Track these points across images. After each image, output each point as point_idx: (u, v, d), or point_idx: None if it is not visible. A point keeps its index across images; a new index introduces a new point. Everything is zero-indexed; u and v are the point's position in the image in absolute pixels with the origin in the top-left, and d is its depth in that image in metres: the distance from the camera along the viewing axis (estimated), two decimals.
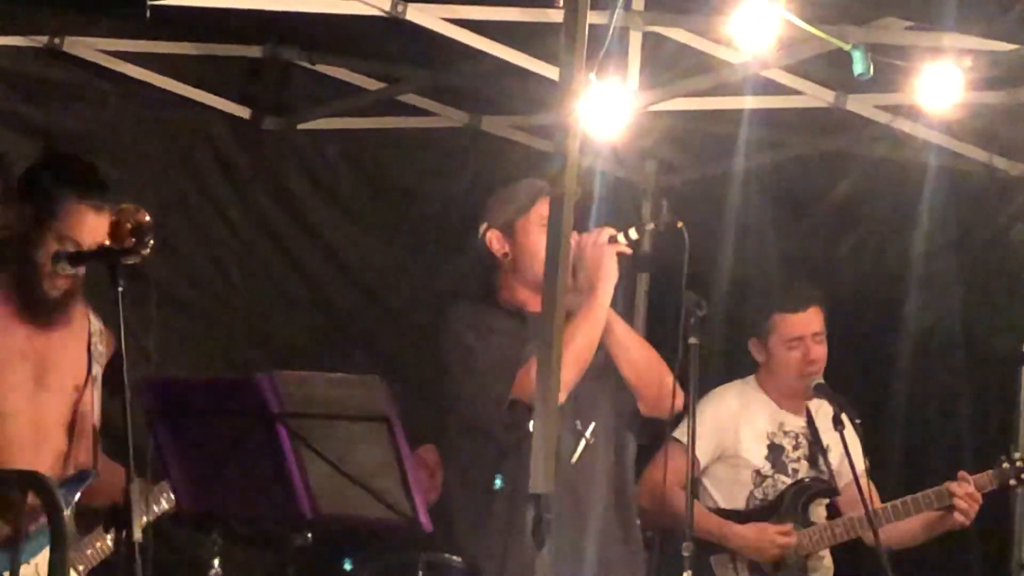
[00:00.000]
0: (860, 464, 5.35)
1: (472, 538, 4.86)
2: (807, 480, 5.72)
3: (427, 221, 6.58)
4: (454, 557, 4.83)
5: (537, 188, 4.92)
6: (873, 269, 6.93)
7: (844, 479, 5.70)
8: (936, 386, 6.85)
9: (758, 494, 5.70)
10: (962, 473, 5.66)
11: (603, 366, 4.93)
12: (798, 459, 5.74)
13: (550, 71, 5.22)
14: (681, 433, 5.20)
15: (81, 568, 4.56)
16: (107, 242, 4.27)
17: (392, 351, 6.41)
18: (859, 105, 5.93)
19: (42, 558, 4.26)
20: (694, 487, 5.10)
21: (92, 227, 4.32)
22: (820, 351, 5.69)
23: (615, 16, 4.72)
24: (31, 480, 4.07)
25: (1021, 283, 6.66)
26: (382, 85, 6.22)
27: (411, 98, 6.31)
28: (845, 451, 5.32)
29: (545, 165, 4.59)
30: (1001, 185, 6.58)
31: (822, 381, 5.55)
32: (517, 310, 4.91)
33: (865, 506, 5.29)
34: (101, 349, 4.53)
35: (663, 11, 5.31)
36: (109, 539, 4.55)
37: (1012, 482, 5.71)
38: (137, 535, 3.86)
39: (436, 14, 5.13)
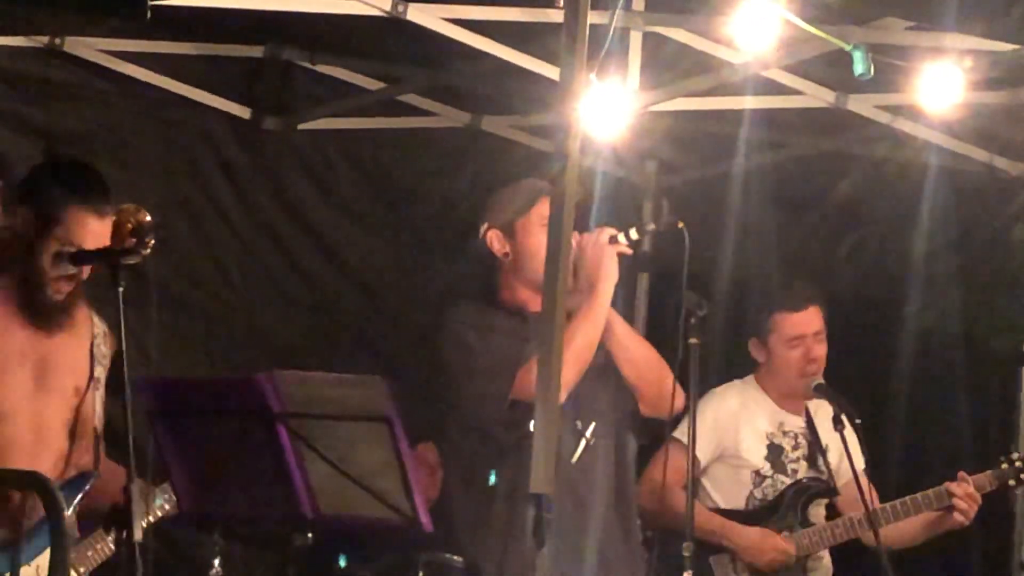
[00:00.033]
0: (860, 464, 5.35)
1: (472, 538, 4.86)
2: (806, 480, 5.72)
3: (427, 221, 6.59)
4: (454, 557, 4.83)
5: (538, 188, 4.92)
6: (873, 269, 6.94)
7: (843, 479, 5.70)
8: (936, 386, 6.85)
9: (757, 494, 5.70)
10: (961, 473, 5.66)
11: (604, 366, 4.93)
12: (797, 459, 5.74)
13: (550, 71, 5.22)
14: (681, 433, 5.20)
15: (82, 570, 4.55)
16: (108, 242, 4.28)
17: (392, 351, 6.41)
18: (859, 105, 5.93)
19: (43, 559, 4.25)
20: (694, 487, 5.10)
21: (95, 232, 4.32)
22: (820, 350, 5.70)
23: (615, 16, 4.72)
24: (32, 481, 4.07)
25: (1021, 283, 6.67)
26: (382, 85, 6.22)
27: (411, 98, 6.32)
28: (845, 451, 5.33)
29: (545, 165, 4.59)
30: (1001, 185, 6.58)
31: (822, 381, 5.55)
32: (518, 310, 4.91)
33: (866, 506, 5.29)
34: (104, 351, 4.53)
35: (664, 11, 5.31)
36: (110, 540, 4.54)
37: (1011, 482, 5.71)
38: (138, 536, 3.86)
39: (436, 14, 5.13)
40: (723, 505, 5.71)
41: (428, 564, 4.80)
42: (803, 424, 5.78)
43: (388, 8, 5.05)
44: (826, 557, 5.80)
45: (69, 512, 4.17)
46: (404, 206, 6.59)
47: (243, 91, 6.22)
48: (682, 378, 4.80)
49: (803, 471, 5.74)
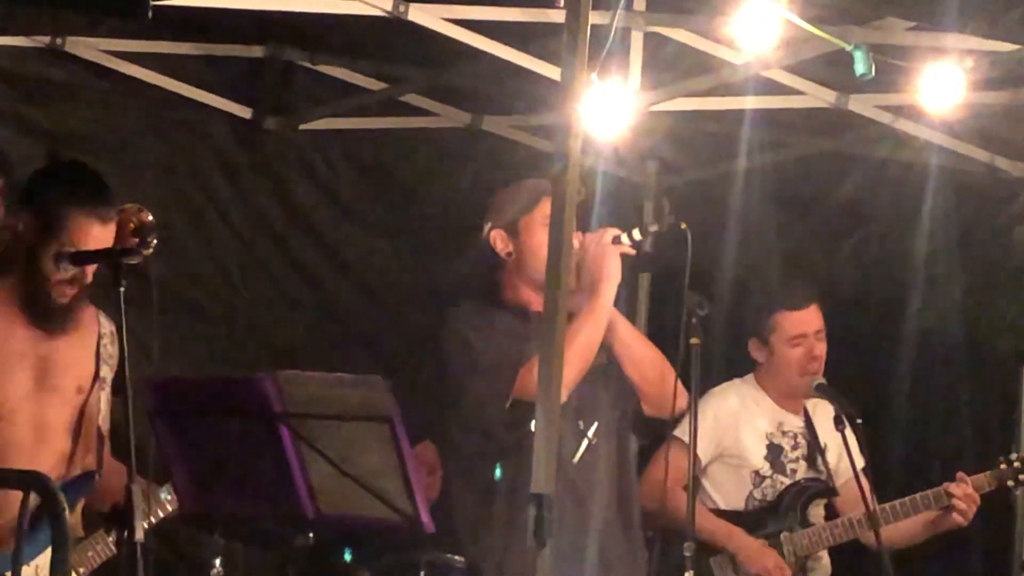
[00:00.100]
0: (860, 464, 5.35)
1: (473, 538, 4.85)
2: (806, 481, 5.72)
3: (428, 221, 6.58)
4: (456, 557, 4.82)
5: (541, 187, 4.91)
6: (874, 269, 6.94)
7: (842, 479, 5.71)
8: (937, 386, 6.85)
9: (757, 495, 5.70)
10: (960, 474, 5.66)
11: (606, 366, 4.93)
12: (797, 459, 5.74)
13: (551, 71, 5.22)
14: (682, 432, 5.20)
15: (81, 570, 4.55)
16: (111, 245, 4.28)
17: (392, 351, 6.41)
18: (860, 105, 5.93)
19: (43, 559, 4.25)
20: (694, 487, 5.10)
21: (98, 238, 4.32)
22: (821, 349, 5.70)
23: (617, 16, 4.72)
24: (33, 480, 4.06)
25: (1022, 283, 6.66)
26: (383, 85, 6.22)
27: (412, 98, 6.32)
28: (846, 451, 5.32)
29: (547, 165, 4.59)
30: (1002, 185, 6.58)
31: (823, 381, 5.55)
32: (520, 309, 4.90)
33: (867, 506, 5.29)
34: (111, 351, 4.52)
35: (665, 11, 5.31)
36: (110, 540, 4.55)
37: (1010, 483, 5.71)
38: (139, 535, 3.86)
39: (437, 14, 5.14)
40: (723, 505, 5.71)
41: (429, 564, 4.80)
42: (802, 424, 5.78)
43: (389, 8, 5.05)
44: (825, 557, 5.80)
45: (70, 512, 4.17)
46: (405, 206, 6.60)
47: (244, 91, 6.22)
48: (683, 378, 4.80)
49: (802, 471, 5.74)
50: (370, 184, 6.59)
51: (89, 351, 4.52)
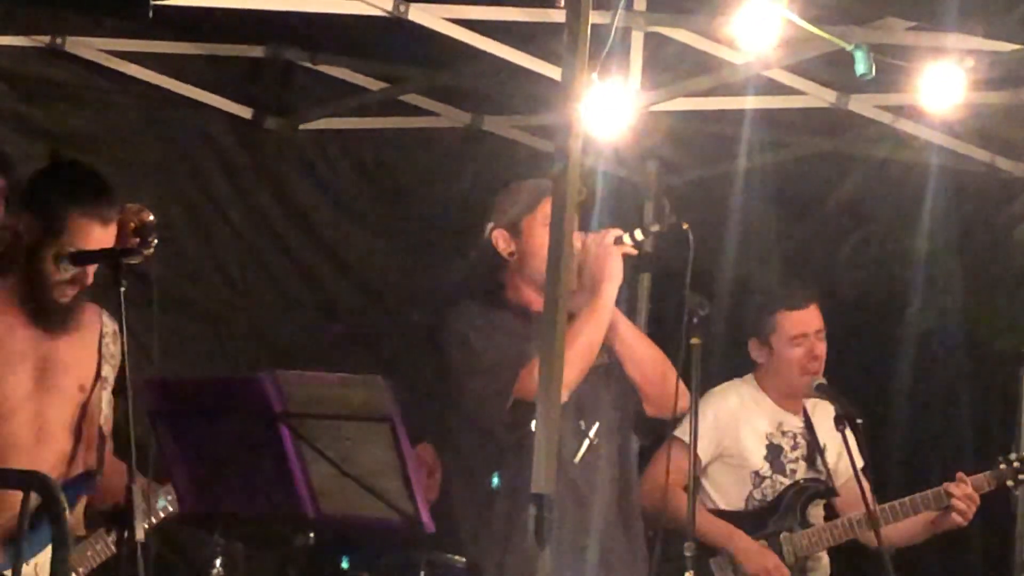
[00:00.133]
0: (860, 464, 5.35)
1: (474, 538, 4.85)
2: (805, 481, 5.72)
3: (428, 221, 6.58)
4: (456, 557, 4.83)
5: (543, 187, 4.91)
6: (875, 269, 6.94)
7: (841, 479, 5.71)
8: (937, 386, 6.85)
9: (757, 495, 5.70)
10: (960, 474, 5.66)
11: (608, 366, 4.92)
12: (796, 459, 5.74)
13: (552, 71, 5.22)
14: (682, 432, 5.20)
15: (80, 570, 4.54)
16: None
17: (392, 351, 6.41)
18: (861, 105, 5.93)
19: (42, 557, 4.25)
20: (694, 487, 5.10)
21: (99, 238, 4.32)
22: (822, 348, 5.70)
23: (617, 16, 4.72)
24: (33, 480, 4.06)
25: (1022, 283, 6.66)
26: (384, 85, 6.22)
27: (413, 98, 6.32)
28: (847, 451, 5.32)
29: (547, 165, 4.59)
30: (1003, 185, 6.58)
31: (823, 381, 5.55)
32: (522, 309, 4.90)
33: (867, 506, 5.29)
34: (113, 350, 4.51)
35: (665, 11, 5.31)
36: (110, 540, 4.54)
37: (1009, 483, 5.71)
38: (139, 535, 3.85)
39: (438, 14, 5.14)
40: (722, 506, 5.71)
41: (430, 564, 4.80)
42: (801, 424, 5.79)
43: (389, 8, 5.05)
44: (824, 558, 5.80)
45: (71, 512, 4.17)
46: (405, 206, 6.60)
47: (244, 91, 6.22)
48: (684, 378, 4.80)
49: (802, 471, 5.74)
50: (370, 184, 6.59)
51: (91, 350, 4.51)
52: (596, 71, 4.59)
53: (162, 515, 4.64)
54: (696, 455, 4.91)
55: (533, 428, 4.13)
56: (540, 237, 4.82)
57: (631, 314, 5.98)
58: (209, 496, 4.15)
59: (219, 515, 4.26)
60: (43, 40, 5.65)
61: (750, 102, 5.82)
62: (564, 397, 4.34)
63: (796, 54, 5.22)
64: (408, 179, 6.63)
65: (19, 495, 3.90)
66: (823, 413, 5.68)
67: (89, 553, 4.57)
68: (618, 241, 4.85)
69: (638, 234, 4.88)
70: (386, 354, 6.39)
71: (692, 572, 4.72)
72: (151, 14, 4.53)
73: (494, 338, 4.81)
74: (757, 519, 5.67)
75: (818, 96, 5.84)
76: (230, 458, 4.09)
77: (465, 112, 6.51)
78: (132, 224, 4.31)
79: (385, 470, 3.98)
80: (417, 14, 5.08)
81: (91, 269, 4.35)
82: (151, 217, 4.35)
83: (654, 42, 5.36)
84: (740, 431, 5.72)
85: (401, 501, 3.98)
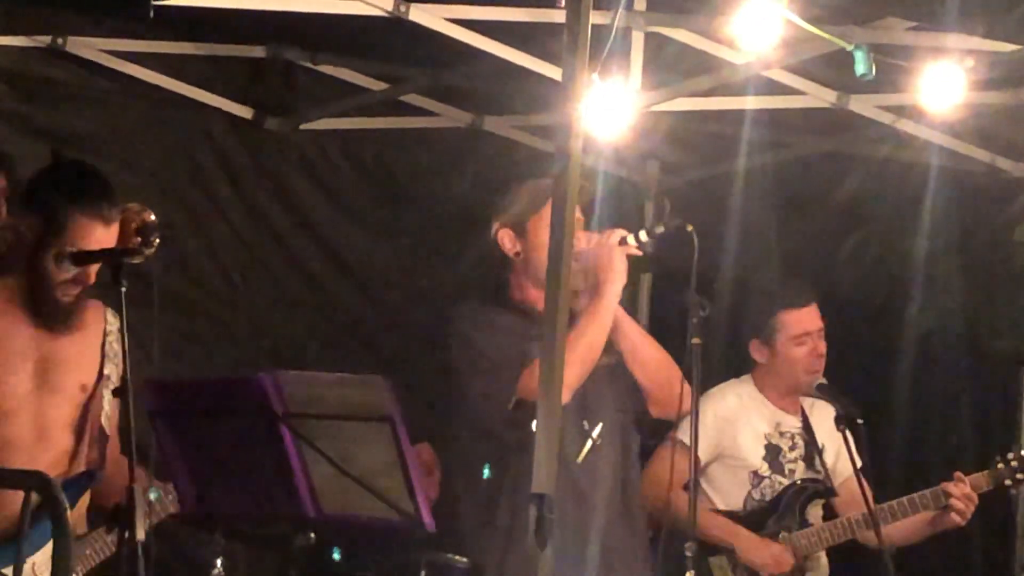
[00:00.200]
0: (859, 464, 5.35)
1: (475, 538, 4.85)
2: (804, 481, 5.72)
3: (429, 221, 6.59)
4: (457, 557, 4.83)
5: (549, 187, 4.91)
6: (875, 269, 6.93)
7: (840, 479, 5.71)
8: (938, 387, 6.84)
9: (756, 495, 5.71)
10: (958, 474, 5.66)
11: (614, 366, 4.92)
12: (795, 460, 5.74)
13: (552, 71, 5.22)
14: (681, 432, 5.19)
15: (79, 569, 4.55)
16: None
17: (393, 351, 6.41)
18: (861, 105, 5.93)
19: (39, 556, 4.26)
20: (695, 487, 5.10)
21: (100, 239, 4.31)
22: (824, 347, 5.70)
23: (618, 16, 4.72)
24: (34, 480, 4.06)
25: (1022, 284, 6.66)
26: (384, 85, 6.22)
27: (413, 98, 6.32)
28: (848, 451, 5.32)
29: (547, 165, 4.59)
30: (1003, 185, 6.58)
31: (824, 381, 5.55)
32: (526, 309, 4.89)
33: (868, 506, 5.29)
34: (116, 348, 4.50)
35: (666, 11, 5.31)
36: (109, 539, 4.55)
37: (1007, 482, 5.70)
38: (140, 535, 3.85)
39: (438, 14, 5.14)
40: (721, 506, 5.71)
41: (430, 564, 4.80)
42: (800, 424, 5.79)
43: (390, 8, 5.05)
44: (823, 557, 5.80)
45: (72, 511, 4.17)
46: (406, 206, 6.60)
47: (245, 91, 6.23)
48: (688, 379, 4.80)
49: (800, 471, 5.74)
50: (370, 184, 6.59)
51: (94, 349, 4.51)
52: (596, 71, 4.59)
53: (162, 515, 4.64)
54: (696, 456, 4.91)
55: (534, 428, 4.13)
56: (546, 237, 4.80)
57: (631, 314, 5.98)
58: (209, 496, 4.16)
59: (219, 515, 4.26)
60: (43, 40, 5.65)
61: (750, 102, 5.82)
62: (566, 398, 4.35)
63: (796, 54, 5.22)
64: (408, 179, 6.63)
65: (19, 495, 3.90)
66: (821, 413, 5.68)
67: (88, 552, 4.57)
68: (622, 242, 4.85)
69: (642, 235, 4.88)
70: (386, 354, 6.39)
71: (692, 572, 4.72)
72: (151, 14, 4.53)
73: (497, 338, 4.81)
74: (756, 519, 5.67)
75: (818, 96, 5.84)
76: (230, 458, 4.10)
77: (465, 112, 6.51)
78: (134, 224, 4.31)
79: (386, 470, 3.98)
80: (417, 14, 5.08)
81: (93, 269, 4.35)
82: (153, 217, 4.34)
83: (654, 42, 5.36)
84: (738, 432, 5.72)
85: (402, 501, 3.98)
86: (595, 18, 4.29)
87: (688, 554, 4.70)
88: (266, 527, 4.51)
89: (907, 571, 5.46)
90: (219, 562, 4.44)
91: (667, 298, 6.22)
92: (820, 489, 5.74)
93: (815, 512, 5.76)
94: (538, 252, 4.86)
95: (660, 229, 4.94)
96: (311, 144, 6.44)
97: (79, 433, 4.48)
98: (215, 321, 6.23)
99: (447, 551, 4.83)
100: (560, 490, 4.06)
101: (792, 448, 5.75)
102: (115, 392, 4.06)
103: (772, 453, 5.73)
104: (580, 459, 4.84)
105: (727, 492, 5.72)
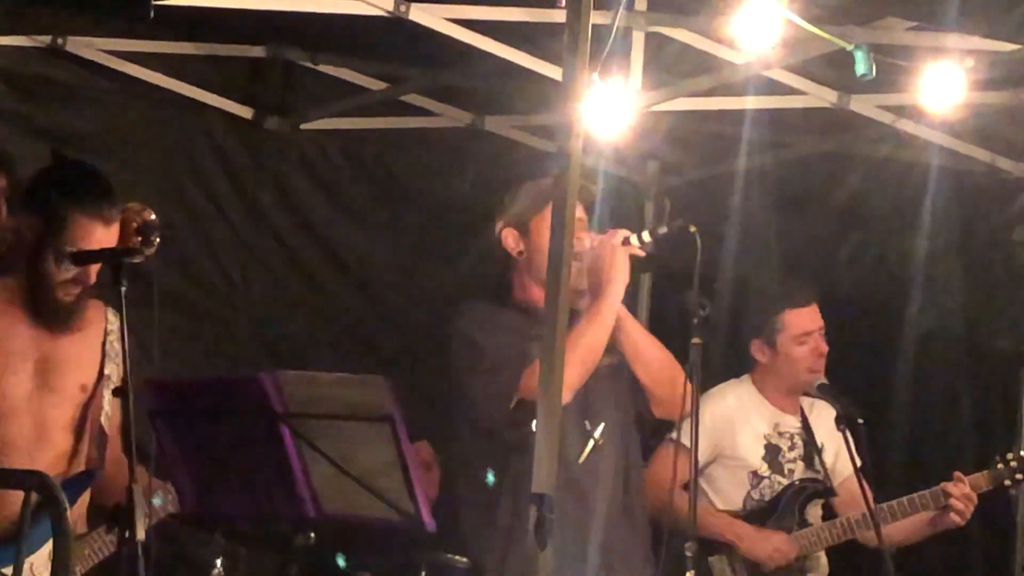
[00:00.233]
0: (859, 464, 5.35)
1: (476, 538, 4.85)
2: (803, 481, 5.72)
3: (429, 221, 6.59)
4: (457, 557, 4.82)
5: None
6: (875, 269, 6.93)
7: (839, 478, 5.71)
8: (938, 387, 6.85)
9: (755, 495, 5.70)
10: (957, 474, 5.66)
11: (617, 367, 4.92)
12: (794, 459, 5.74)
13: (553, 71, 5.22)
14: (681, 432, 5.19)
15: (79, 568, 4.55)
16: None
17: (392, 351, 6.41)
18: (862, 105, 5.93)
19: (37, 557, 4.26)
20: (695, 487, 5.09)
21: (100, 238, 4.31)
22: (825, 346, 5.70)
23: (618, 16, 4.72)
24: (33, 480, 4.06)
25: (1022, 284, 6.66)
26: (385, 85, 6.22)
27: (414, 98, 6.32)
28: (848, 452, 5.32)
29: (548, 165, 4.59)
30: (1003, 185, 6.58)
31: (824, 381, 5.55)
32: (529, 309, 4.88)
33: (868, 506, 5.29)
34: (117, 348, 4.50)
35: (666, 11, 5.31)
36: (109, 539, 4.54)
37: (1007, 482, 5.71)
38: (140, 535, 3.85)
39: (439, 14, 5.14)
40: (720, 506, 5.71)
41: (430, 564, 4.80)
42: (799, 424, 5.78)
43: (390, 8, 5.05)
44: (823, 557, 5.80)
45: (72, 510, 4.17)
46: (406, 206, 6.60)
47: (245, 91, 6.23)
48: (692, 379, 4.79)
49: (800, 471, 5.74)
50: (371, 184, 6.59)
51: (94, 349, 4.52)
52: (597, 71, 4.59)
53: (162, 515, 4.64)
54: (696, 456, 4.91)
55: (534, 428, 4.13)
56: (549, 236, 4.82)
57: (632, 314, 5.98)
58: (210, 496, 4.15)
59: (219, 515, 4.26)
60: (43, 40, 5.65)
61: (750, 102, 5.82)
62: (567, 397, 4.35)
63: (796, 54, 5.22)
64: (409, 179, 6.63)
65: (19, 495, 3.90)
66: (821, 413, 5.68)
67: (87, 551, 4.57)
68: (626, 242, 4.85)
69: (645, 235, 4.88)
70: (386, 354, 6.39)
71: (692, 572, 4.72)
72: (152, 14, 4.53)
73: (499, 337, 4.81)
74: (755, 519, 5.67)
75: (819, 96, 5.84)
76: (230, 458, 4.10)
77: (466, 112, 6.51)
78: (134, 223, 4.31)
79: (386, 470, 3.98)
80: (418, 14, 5.08)
81: (93, 269, 4.35)
82: (153, 216, 4.34)
83: (655, 42, 5.36)
84: (738, 432, 5.72)
85: (402, 501, 3.98)
86: (595, 18, 4.29)
87: (688, 554, 4.70)
88: (266, 527, 4.51)
89: (907, 571, 5.46)
90: (219, 562, 4.45)
91: (667, 298, 6.22)
92: (819, 489, 5.74)
93: (814, 512, 5.76)
94: (541, 251, 4.84)
95: (663, 230, 4.94)
96: (311, 144, 6.44)
97: (79, 433, 4.48)
98: (215, 321, 6.23)
99: (447, 551, 4.83)
100: (561, 490, 4.06)
101: (791, 448, 5.75)
102: (115, 392, 4.06)
103: (771, 453, 5.72)
104: (582, 459, 4.84)
105: (726, 492, 5.71)
